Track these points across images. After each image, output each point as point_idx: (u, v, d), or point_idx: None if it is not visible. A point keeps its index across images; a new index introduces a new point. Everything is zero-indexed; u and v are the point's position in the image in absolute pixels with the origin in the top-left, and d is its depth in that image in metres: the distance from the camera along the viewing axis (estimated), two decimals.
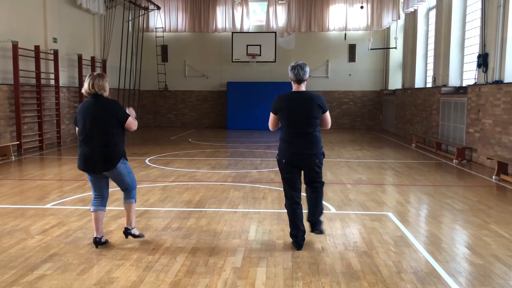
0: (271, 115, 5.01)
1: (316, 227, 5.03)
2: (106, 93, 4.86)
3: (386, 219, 6.13)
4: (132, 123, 4.91)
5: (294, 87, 4.98)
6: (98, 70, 17.17)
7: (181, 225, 5.77)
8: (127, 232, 5.10)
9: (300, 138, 4.85)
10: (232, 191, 7.75)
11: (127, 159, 4.99)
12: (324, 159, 5.02)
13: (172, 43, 21.64)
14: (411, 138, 15.62)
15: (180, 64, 21.72)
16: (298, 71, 4.89)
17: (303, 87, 4.95)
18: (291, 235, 4.97)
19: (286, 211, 5.07)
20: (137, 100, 20.92)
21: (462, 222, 6.05)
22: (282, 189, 5.14)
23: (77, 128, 4.91)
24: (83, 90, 4.83)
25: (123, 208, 6.37)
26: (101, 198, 4.98)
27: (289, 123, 4.87)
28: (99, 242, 4.91)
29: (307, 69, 4.94)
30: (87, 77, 4.82)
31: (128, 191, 5.06)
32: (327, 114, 4.98)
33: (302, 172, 5.03)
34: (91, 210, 4.93)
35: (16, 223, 5.82)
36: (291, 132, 4.88)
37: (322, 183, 5.08)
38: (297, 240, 4.91)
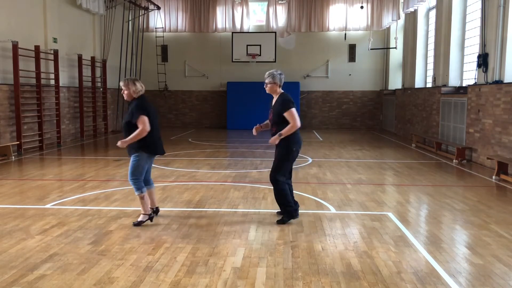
0: (295, 110, 5.84)
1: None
2: None
3: (386, 219, 6.13)
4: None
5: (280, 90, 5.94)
6: (98, 70, 17.22)
7: (181, 225, 5.77)
8: (158, 211, 6.08)
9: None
10: (232, 191, 7.76)
11: None
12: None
13: (172, 43, 21.65)
14: (411, 138, 15.62)
15: (180, 64, 21.73)
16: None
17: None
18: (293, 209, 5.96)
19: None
20: None
21: (462, 222, 6.05)
22: None
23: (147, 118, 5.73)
24: (142, 90, 5.72)
25: (123, 208, 6.50)
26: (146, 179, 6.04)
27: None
28: (156, 211, 6.02)
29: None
30: (137, 81, 5.73)
31: None
32: None
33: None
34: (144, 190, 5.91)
35: (16, 223, 5.82)
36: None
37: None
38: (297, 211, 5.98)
